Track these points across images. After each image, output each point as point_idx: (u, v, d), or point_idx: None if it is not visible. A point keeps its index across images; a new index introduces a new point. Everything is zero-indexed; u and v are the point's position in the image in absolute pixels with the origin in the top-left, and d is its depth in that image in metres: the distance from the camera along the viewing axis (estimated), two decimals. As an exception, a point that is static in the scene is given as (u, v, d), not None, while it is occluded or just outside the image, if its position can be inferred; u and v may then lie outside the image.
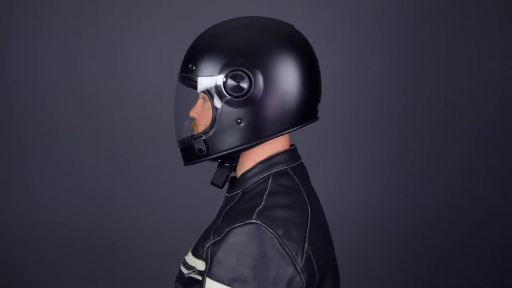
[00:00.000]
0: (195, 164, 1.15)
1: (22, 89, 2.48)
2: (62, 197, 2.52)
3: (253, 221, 0.96)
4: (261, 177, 1.06)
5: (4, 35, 2.46)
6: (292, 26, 1.11)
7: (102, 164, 2.51)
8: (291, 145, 1.12)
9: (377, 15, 2.48)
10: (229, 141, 1.05)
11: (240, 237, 0.96)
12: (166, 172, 2.47)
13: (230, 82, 1.02)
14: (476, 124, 2.54)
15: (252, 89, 1.02)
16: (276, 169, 1.06)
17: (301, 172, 1.11)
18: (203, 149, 1.07)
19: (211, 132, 1.05)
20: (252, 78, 1.02)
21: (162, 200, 2.52)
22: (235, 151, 1.06)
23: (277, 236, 0.96)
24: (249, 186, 1.07)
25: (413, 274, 2.59)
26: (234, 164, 1.14)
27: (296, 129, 1.07)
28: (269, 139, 1.06)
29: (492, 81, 2.53)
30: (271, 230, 0.96)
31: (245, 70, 1.02)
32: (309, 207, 1.03)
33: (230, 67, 1.02)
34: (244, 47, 1.04)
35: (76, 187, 2.52)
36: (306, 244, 0.99)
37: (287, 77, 1.04)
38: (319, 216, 1.09)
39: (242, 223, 0.96)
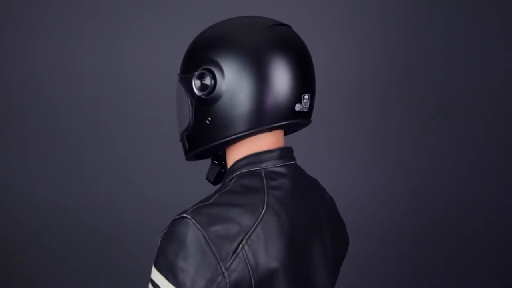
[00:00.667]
0: (197, 162, 1.20)
1: (21, 86, 2.48)
2: (63, 196, 2.52)
3: (184, 215, 0.98)
4: (234, 175, 1.07)
5: (2, 31, 2.46)
6: (275, 24, 1.08)
7: (103, 162, 2.51)
8: (283, 147, 1.10)
9: (377, 11, 2.48)
10: (202, 139, 1.09)
11: (174, 229, 0.99)
12: (168, 170, 2.47)
13: (197, 81, 1.05)
14: (477, 123, 2.54)
15: (216, 88, 1.04)
16: (248, 168, 1.06)
17: (284, 174, 1.08)
18: (186, 146, 1.12)
19: (190, 130, 1.10)
20: (217, 77, 1.04)
21: (163, 198, 2.52)
22: (206, 149, 1.09)
23: (204, 233, 0.96)
24: (224, 184, 1.09)
25: (413, 274, 2.59)
26: (223, 162, 1.17)
27: (265, 129, 1.05)
28: (236, 138, 1.06)
29: (492, 80, 2.53)
30: (198, 226, 0.96)
31: (211, 69, 1.04)
32: (264, 210, 1.01)
33: (199, 67, 1.06)
34: (210, 47, 1.06)
35: (76, 185, 2.52)
36: (241, 245, 0.97)
37: (251, 76, 1.03)
38: (292, 222, 1.05)
39: (178, 216, 0.99)
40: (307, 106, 1.08)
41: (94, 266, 2.54)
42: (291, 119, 1.06)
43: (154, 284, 0.99)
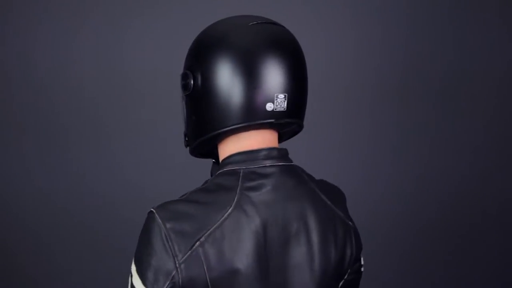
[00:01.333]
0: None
1: (20, 86, 2.48)
2: (63, 196, 2.52)
3: (151, 209, 1.04)
4: (216, 173, 1.09)
5: (2, 31, 2.46)
6: (258, 22, 1.08)
7: (103, 162, 2.51)
8: (272, 147, 1.08)
9: (377, 11, 2.48)
10: (192, 136, 1.12)
11: (145, 222, 1.05)
12: (168, 169, 2.47)
13: (183, 81, 1.10)
14: (477, 123, 2.54)
15: (194, 87, 1.08)
16: (230, 167, 1.07)
17: (266, 175, 1.06)
18: (185, 142, 1.17)
19: (185, 127, 1.14)
20: (196, 77, 1.07)
21: (163, 198, 2.51)
22: (196, 146, 1.13)
23: (164, 227, 1.00)
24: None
25: (413, 274, 2.59)
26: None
27: (235, 129, 1.06)
28: (213, 137, 1.08)
29: (492, 80, 2.53)
30: (160, 221, 1.01)
31: (192, 69, 1.08)
32: (230, 210, 1.01)
33: (185, 68, 1.11)
34: (193, 48, 1.11)
35: (76, 186, 2.52)
36: (198, 243, 0.99)
37: (221, 77, 1.04)
38: (267, 224, 1.03)
39: (149, 210, 1.04)
40: (284, 105, 1.06)
41: (94, 266, 2.54)
42: (262, 119, 1.05)
43: (130, 272, 1.04)
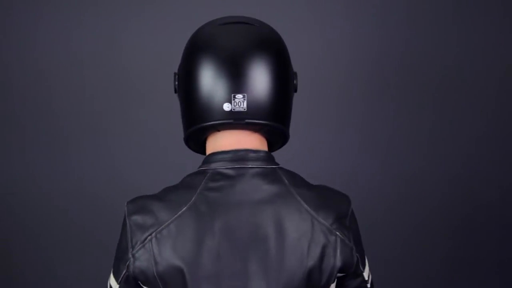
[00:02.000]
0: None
1: (20, 85, 2.48)
2: (63, 197, 2.52)
3: (125, 203, 1.09)
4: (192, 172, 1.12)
5: (2, 28, 2.45)
6: (225, 23, 1.09)
7: (103, 162, 2.51)
8: (244, 149, 1.08)
9: (375, 8, 2.47)
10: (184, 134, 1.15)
11: None
12: (169, 170, 2.46)
13: (174, 82, 1.15)
14: (476, 122, 2.54)
15: (176, 89, 1.13)
16: (203, 167, 1.10)
17: (230, 176, 1.05)
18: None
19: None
20: (178, 79, 1.12)
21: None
22: (187, 143, 1.16)
23: (128, 220, 1.06)
24: None
25: (412, 271, 2.59)
26: None
27: (196, 129, 1.08)
28: (188, 137, 1.12)
29: (493, 81, 2.52)
30: (126, 214, 1.07)
31: (178, 69, 1.13)
32: (185, 209, 1.03)
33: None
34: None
35: (76, 186, 2.51)
36: (150, 237, 1.03)
37: (185, 79, 1.09)
38: (222, 225, 1.02)
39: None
40: (243, 105, 1.05)
41: (94, 266, 2.53)
42: (221, 119, 1.06)
43: None
